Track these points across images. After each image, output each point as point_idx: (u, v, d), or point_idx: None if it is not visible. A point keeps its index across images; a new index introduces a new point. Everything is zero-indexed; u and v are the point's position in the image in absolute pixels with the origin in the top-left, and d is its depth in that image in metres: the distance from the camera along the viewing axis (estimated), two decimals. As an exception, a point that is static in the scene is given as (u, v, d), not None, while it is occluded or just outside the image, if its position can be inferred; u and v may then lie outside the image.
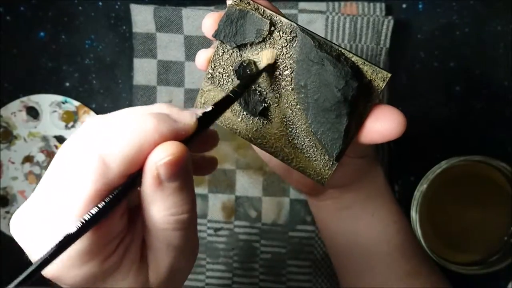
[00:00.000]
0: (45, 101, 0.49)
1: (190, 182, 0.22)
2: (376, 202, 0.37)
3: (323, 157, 0.27)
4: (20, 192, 0.50)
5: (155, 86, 0.48)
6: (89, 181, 0.19)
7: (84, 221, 0.19)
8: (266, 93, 0.27)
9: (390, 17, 0.45)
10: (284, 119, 0.27)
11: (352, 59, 0.25)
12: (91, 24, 0.49)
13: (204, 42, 0.47)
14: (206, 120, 0.23)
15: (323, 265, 0.48)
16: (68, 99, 0.49)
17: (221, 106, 0.24)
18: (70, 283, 0.21)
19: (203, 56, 0.28)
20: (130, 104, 0.49)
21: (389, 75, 0.25)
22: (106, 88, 0.49)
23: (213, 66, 0.27)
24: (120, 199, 0.20)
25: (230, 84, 0.27)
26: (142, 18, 0.47)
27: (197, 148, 0.28)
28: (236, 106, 0.27)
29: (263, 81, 0.26)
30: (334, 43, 0.25)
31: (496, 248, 0.45)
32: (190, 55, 0.48)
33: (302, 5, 0.46)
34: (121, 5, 0.49)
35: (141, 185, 0.21)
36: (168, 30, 0.47)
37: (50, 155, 0.50)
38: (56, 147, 0.50)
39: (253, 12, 0.25)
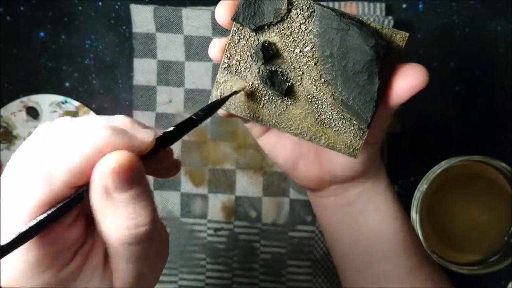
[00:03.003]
0: (45, 101, 0.49)
1: (145, 191, 0.21)
2: (379, 198, 0.37)
3: (352, 128, 0.27)
4: (20, 192, 0.50)
5: (155, 86, 0.48)
6: (35, 191, 0.19)
7: (20, 233, 0.18)
8: (288, 73, 0.27)
9: (390, 17, 0.45)
10: (308, 97, 0.27)
11: (371, 25, 0.26)
12: (91, 24, 0.49)
13: (204, 42, 0.47)
14: (164, 140, 0.23)
15: (323, 265, 0.48)
16: (68, 99, 0.49)
17: (182, 128, 0.24)
18: None
19: (216, 45, 0.27)
20: (130, 104, 0.49)
21: (407, 34, 0.26)
22: (106, 88, 0.49)
23: (228, 55, 0.27)
24: (65, 211, 0.19)
25: (248, 71, 0.27)
26: (142, 18, 0.47)
27: (155, 173, 0.27)
28: (258, 92, 0.27)
29: (282, 61, 0.26)
30: (350, 14, 0.26)
31: (496, 248, 0.45)
32: (190, 55, 0.48)
33: (302, 5, 0.46)
34: (121, 5, 0.49)
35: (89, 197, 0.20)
36: (168, 30, 0.47)
37: (50, 155, 0.50)
38: (56, 147, 0.49)
39: None
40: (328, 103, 0.27)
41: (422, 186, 0.43)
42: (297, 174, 0.36)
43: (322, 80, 0.26)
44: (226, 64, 0.27)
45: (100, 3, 0.49)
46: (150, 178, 0.49)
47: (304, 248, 0.48)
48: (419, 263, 0.37)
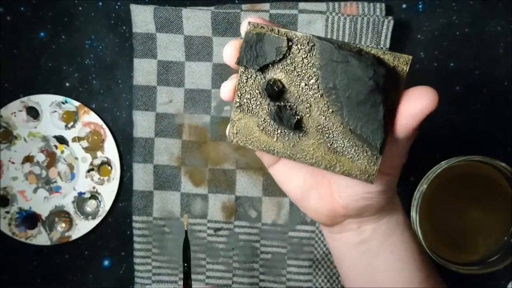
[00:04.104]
0: (45, 101, 0.49)
1: None
2: (396, 238, 0.36)
3: (365, 154, 0.28)
4: (20, 192, 0.50)
5: (155, 86, 0.48)
6: None
7: None
8: (296, 106, 0.28)
9: (390, 17, 0.45)
10: (319, 127, 0.28)
11: (372, 52, 0.26)
12: (91, 24, 0.49)
13: (205, 42, 0.47)
14: None
15: (323, 265, 0.48)
16: (68, 99, 0.49)
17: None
18: None
19: (227, 87, 0.29)
20: (130, 104, 0.49)
21: (410, 57, 0.26)
22: (106, 88, 0.49)
23: (239, 95, 0.28)
24: None
25: (259, 107, 0.28)
26: (142, 18, 0.47)
27: None
28: (270, 126, 0.28)
29: (290, 96, 0.28)
30: (351, 43, 0.26)
31: (496, 248, 0.45)
32: (190, 55, 0.48)
33: (302, 5, 0.46)
34: (121, 5, 0.49)
35: None
36: (168, 30, 0.47)
37: (50, 155, 0.50)
38: (56, 147, 0.50)
39: (269, 33, 0.27)
40: (339, 132, 0.28)
41: (422, 186, 0.43)
42: (308, 206, 0.34)
43: (330, 110, 0.27)
44: (238, 103, 0.28)
45: (100, 3, 0.49)
46: (150, 178, 0.49)
47: (304, 248, 0.48)
48: None
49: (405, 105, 0.26)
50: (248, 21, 0.27)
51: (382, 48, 0.26)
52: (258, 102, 0.28)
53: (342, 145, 0.28)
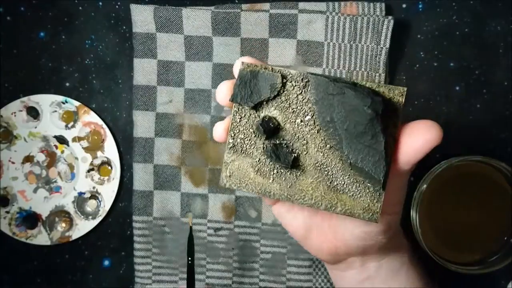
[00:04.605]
0: (45, 101, 0.49)
1: None
2: (401, 278, 0.35)
3: (368, 190, 0.26)
4: (20, 192, 0.50)
5: (155, 86, 0.48)
6: None
7: None
8: (292, 144, 0.27)
9: (390, 17, 0.45)
10: (317, 165, 0.27)
11: (366, 85, 0.26)
12: (91, 24, 0.49)
13: (205, 42, 0.47)
14: None
15: (323, 265, 0.48)
16: (68, 99, 0.49)
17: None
18: None
19: (220, 128, 0.28)
20: (130, 104, 0.49)
21: (405, 89, 0.26)
22: (106, 88, 0.49)
23: (232, 135, 0.28)
24: None
25: (254, 147, 0.27)
26: (142, 18, 0.47)
27: None
28: (265, 167, 0.27)
29: (286, 133, 0.27)
30: (345, 78, 0.26)
31: (496, 248, 0.45)
32: (190, 55, 0.48)
33: (302, 5, 0.46)
34: (121, 5, 0.49)
35: None
36: (168, 30, 0.47)
37: (50, 155, 0.50)
38: (56, 147, 0.50)
39: (263, 70, 0.26)
40: (338, 168, 0.27)
41: (422, 186, 0.43)
42: (310, 244, 0.34)
43: (328, 146, 0.26)
44: (231, 144, 0.28)
45: (100, 3, 0.49)
46: (150, 178, 0.49)
47: (304, 248, 0.48)
48: None
49: (409, 139, 0.25)
50: (241, 60, 0.27)
51: (377, 82, 0.26)
52: (252, 142, 0.27)
53: (343, 182, 0.27)
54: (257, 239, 0.49)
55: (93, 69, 0.49)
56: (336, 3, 0.46)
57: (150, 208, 0.49)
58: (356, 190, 0.27)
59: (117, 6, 0.49)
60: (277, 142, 0.27)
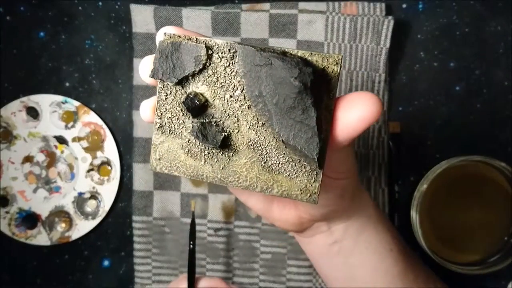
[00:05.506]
0: (45, 101, 0.49)
1: None
2: (369, 233, 0.35)
3: (304, 170, 0.24)
4: (20, 192, 0.50)
5: (155, 86, 0.48)
6: None
7: None
8: (223, 122, 0.25)
9: (390, 17, 0.45)
10: (250, 144, 0.25)
11: (298, 54, 0.24)
12: (91, 24, 0.49)
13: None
14: None
15: (323, 265, 0.48)
16: (68, 99, 0.49)
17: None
18: None
19: (146, 106, 0.26)
20: (130, 104, 0.49)
21: (340, 56, 0.23)
22: (106, 88, 0.49)
23: (159, 114, 0.25)
24: None
25: (183, 127, 0.25)
26: (142, 18, 0.47)
27: None
28: (196, 148, 0.25)
29: (215, 111, 0.25)
30: (275, 46, 0.24)
31: (496, 248, 0.45)
32: (190, 55, 0.48)
33: (302, 5, 0.46)
34: (121, 5, 0.49)
35: None
36: (168, 30, 0.47)
37: (50, 155, 0.50)
38: (56, 147, 0.50)
39: (186, 41, 0.24)
40: (272, 147, 0.24)
41: (422, 186, 0.43)
42: (273, 216, 0.33)
43: (260, 123, 0.24)
44: (159, 124, 0.25)
45: (100, 3, 0.49)
46: (150, 178, 0.49)
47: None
48: None
49: (345, 113, 0.23)
50: (163, 31, 0.24)
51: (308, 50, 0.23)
52: (181, 121, 0.25)
53: (278, 162, 0.25)
54: (257, 239, 0.49)
55: (93, 69, 0.49)
56: (336, 3, 0.46)
57: (150, 208, 0.49)
58: (292, 170, 0.25)
59: (117, 6, 0.49)
60: (206, 120, 0.25)
